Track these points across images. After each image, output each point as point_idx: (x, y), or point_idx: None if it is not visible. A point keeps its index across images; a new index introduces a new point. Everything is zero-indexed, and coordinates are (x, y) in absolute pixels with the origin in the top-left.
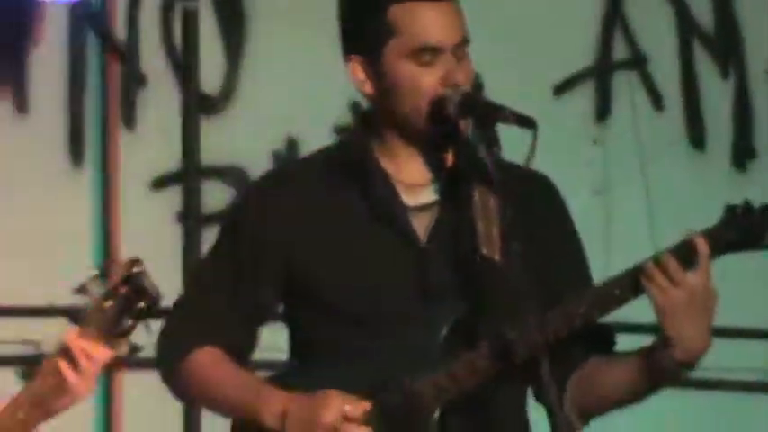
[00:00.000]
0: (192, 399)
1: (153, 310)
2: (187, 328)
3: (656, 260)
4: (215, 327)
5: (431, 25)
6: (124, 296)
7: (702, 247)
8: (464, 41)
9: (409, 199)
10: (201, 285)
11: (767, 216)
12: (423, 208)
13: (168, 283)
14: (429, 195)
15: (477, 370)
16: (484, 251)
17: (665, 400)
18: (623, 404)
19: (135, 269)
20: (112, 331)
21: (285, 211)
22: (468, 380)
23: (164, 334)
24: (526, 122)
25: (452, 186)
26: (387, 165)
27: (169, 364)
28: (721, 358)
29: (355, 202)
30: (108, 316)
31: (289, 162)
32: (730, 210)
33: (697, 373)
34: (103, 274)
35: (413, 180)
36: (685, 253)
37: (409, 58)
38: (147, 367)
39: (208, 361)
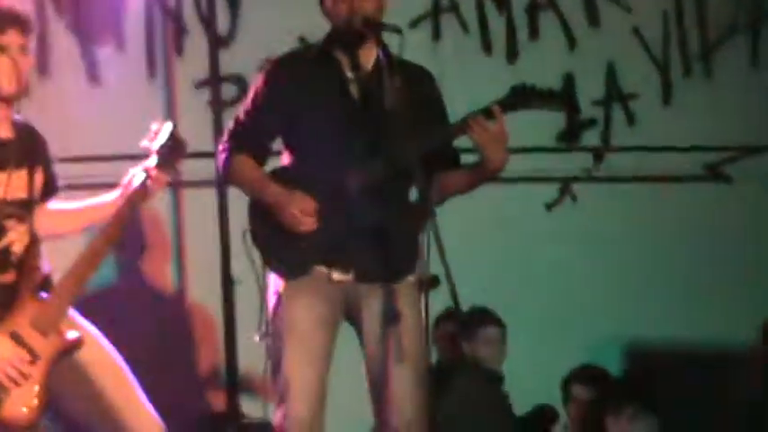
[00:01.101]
0: (233, 184)
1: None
2: (233, 137)
3: (482, 111)
4: (247, 142)
5: None
6: (170, 145)
7: (497, 108)
8: None
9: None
10: (243, 117)
11: (533, 90)
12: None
13: None
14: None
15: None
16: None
17: None
18: (461, 192)
19: (173, 129)
20: (165, 165)
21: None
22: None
23: (222, 143)
24: (395, 29)
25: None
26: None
27: (225, 161)
28: None
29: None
30: (162, 157)
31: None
32: (514, 87)
33: None
34: (155, 134)
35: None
36: (489, 112)
37: None
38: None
39: (242, 162)
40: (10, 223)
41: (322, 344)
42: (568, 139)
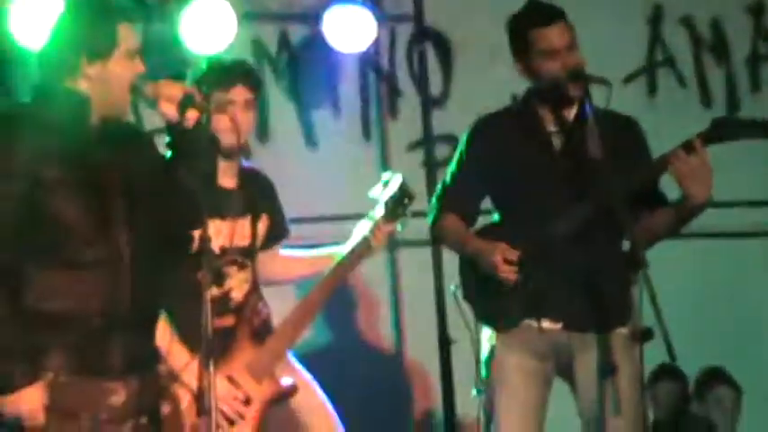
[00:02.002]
0: (442, 243)
1: (411, 203)
2: (441, 199)
3: (683, 145)
4: (454, 203)
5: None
6: (399, 196)
7: (697, 141)
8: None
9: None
10: (449, 179)
11: (735, 120)
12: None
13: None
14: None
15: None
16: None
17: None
18: (670, 232)
19: (403, 180)
20: (392, 217)
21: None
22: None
23: (432, 204)
24: (603, 82)
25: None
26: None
27: (434, 222)
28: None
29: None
30: (389, 208)
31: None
32: (715, 119)
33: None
34: (384, 183)
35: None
36: (690, 146)
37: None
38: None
39: (450, 222)
40: (231, 270)
41: (534, 396)
42: None
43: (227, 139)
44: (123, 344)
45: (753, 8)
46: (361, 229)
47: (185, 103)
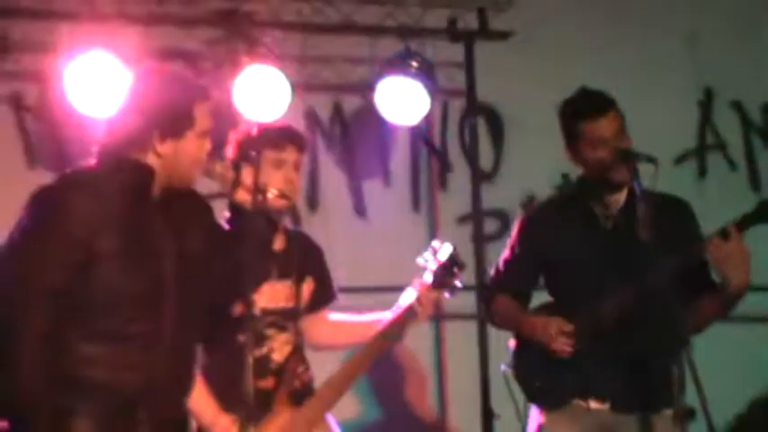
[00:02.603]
0: (496, 325)
1: (461, 273)
2: (494, 283)
3: (719, 232)
4: (507, 283)
5: (603, 128)
6: (448, 265)
7: (732, 228)
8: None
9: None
10: (501, 264)
11: None
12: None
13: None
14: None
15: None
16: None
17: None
18: (717, 316)
19: (453, 250)
20: (440, 285)
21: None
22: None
23: (486, 288)
24: (651, 160)
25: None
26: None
27: (486, 302)
28: None
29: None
30: (438, 276)
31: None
32: (761, 202)
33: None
34: (434, 252)
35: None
36: (725, 232)
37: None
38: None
39: (503, 303)
40: (271, 332)
41: None
42: None
43: (277, 201)
44: (153, 414)
45: None
46: (408, 297)
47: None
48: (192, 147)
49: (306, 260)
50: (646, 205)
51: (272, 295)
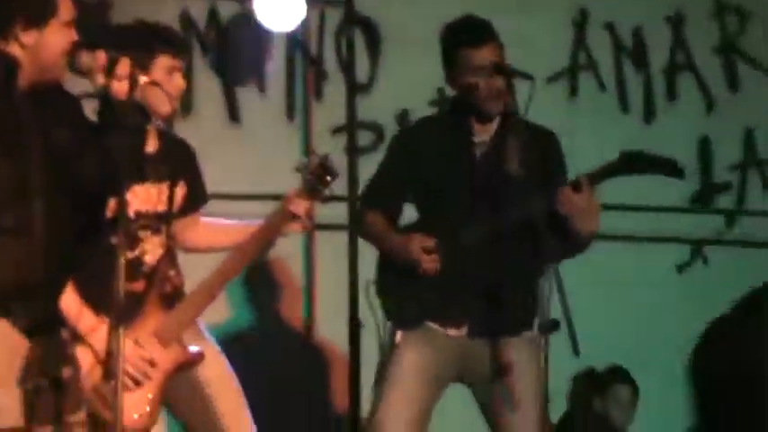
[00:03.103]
0: (364, 238)
1: (334, 180)
2: (365, 199)
3: (571, 183)
4: (378, 201)
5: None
6: (320, 173)
7: (584, 179)
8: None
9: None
10: (375, 178)
11: (647, 158)
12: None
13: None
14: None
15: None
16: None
17: None
18: (552, 261)
19: (326, 158)
20: (312, 193)
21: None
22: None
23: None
24: (526, 76)
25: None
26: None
27: (357, 218)
28: None
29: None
30: (310, 183)
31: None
32: (624, 153)
33: None
34: (308, 160)
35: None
36: (577, 184)
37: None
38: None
39: (372, 219)
40: (144, 234)
41: (423, 397)
42: (702, 201)
43: (155, 106)
44: (27, 310)
45: (672, 19)
46: (282, 204)
47: (111, 70)
48: (57, 36)
49: (179, 163)
50: (515, 137)
51: (145, 198)
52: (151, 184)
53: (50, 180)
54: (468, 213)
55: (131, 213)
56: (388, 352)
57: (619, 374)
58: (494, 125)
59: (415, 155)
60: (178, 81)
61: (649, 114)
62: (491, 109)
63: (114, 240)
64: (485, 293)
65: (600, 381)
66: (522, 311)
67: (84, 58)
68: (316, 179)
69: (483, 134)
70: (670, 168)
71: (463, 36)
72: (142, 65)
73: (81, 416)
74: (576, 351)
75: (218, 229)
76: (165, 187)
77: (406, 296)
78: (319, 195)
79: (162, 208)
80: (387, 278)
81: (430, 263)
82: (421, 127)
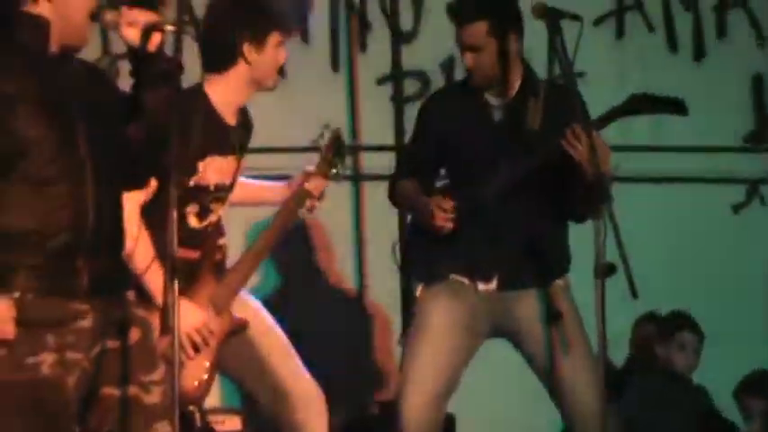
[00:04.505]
0: (397, 206)
1: (344, 156)
2: (398, 168)
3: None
4: (410, 169)
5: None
6: (334, 147)
7: (596, 122)
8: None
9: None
10: (406, 147)
11: (654, 99)
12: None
13: None
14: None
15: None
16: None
17: None
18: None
19: (339, 134)
20: (327, 171)
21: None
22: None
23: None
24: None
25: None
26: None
27: (390, 185)
28: None
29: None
30: (326, 159)
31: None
32: (633, 95)
33: None
34: (322, 135)
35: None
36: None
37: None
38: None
39: (403, 186)
40: (215, 206)
41: (452, 346)
42: (757, 140)
43: (269, 81)
44: (89, 265)
45: None
46: (300, 175)
47: (149, 30)
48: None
49: (246, 136)
50: (538, 95)
51: (225, 170)
52: (230, 156)
53: (93, 139)
54: (492, 172)
55: (211, 185)
56: (413, 308)
57: (683, 320)
58: (514, 87)
59: (436, 123)
60: (282, 54)
61: (699, 53)
62: (479, 84)
63: (189, 209)
64: (512, 246)
65: (663, 326)
66: (551, 261)
67: (110, 15)
68: (334, 153)
69: (504, 96)
70: (675, 106)
71: (452, 13)
72: (258, 42)
73: (158, 374)
74: (634, 294)
75: (246, 187)
76: (234, 160)
77: (432, 252)
78: (337, 173)
79: (229, 180)
80: (414, 237)
81: (441, 220)
82: (440, 96)
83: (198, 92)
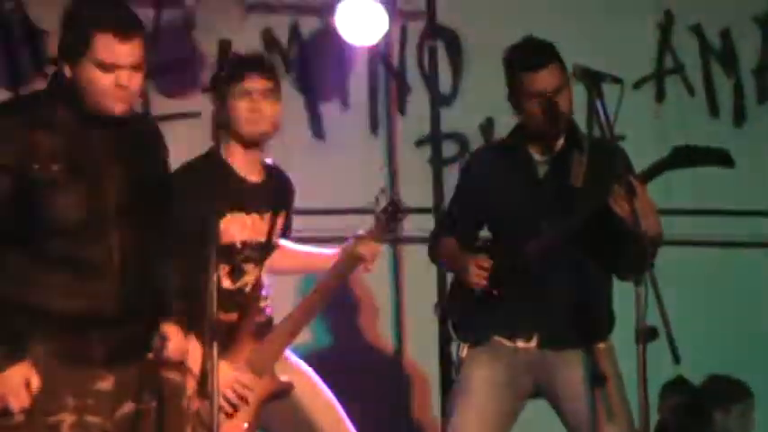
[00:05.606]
0: (440, 266)
1: (401, 221)
2: (439, 226)
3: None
4: (452, 228)
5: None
6: (390, 212)
7: (640, 178)
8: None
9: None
10: (448, 207)
11: (698, 150)
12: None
13: None
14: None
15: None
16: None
17: None
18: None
19: (396, 196)
20: (382, 233)
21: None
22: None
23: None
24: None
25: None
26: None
27: (431, 244)
28: None
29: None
30: (381, 223)
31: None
32: (676, 147)
33: None
34: (377, 200)
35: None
36: (630, 187)
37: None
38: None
39: (445, 244)
40: (248, 266)
41: (496, 409)
42: None
43: (243, 128)
44: (104, 339)
45: (761, 19)
46: (354, 239)
47: None
48: (90, 74)
49: (281, 195)
50: (582, 152)
51: (252, 229)
52: (256, 214)
53: (130, 211)
54: (536, 229)
55: (237, 242)
56: (457, 368)
57: (739, 387)
58: (558, 143)
59: (478, 181)
60: (269, 104)
61: (740, 117)
62: (550, 131)
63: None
64: (553, 304)
65: (715, 394)
66: (593, 321)
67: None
68: (390, 218)
69: (545, 153)
70: (720, 158)
71: (522, 59)
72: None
73: None
74: (676, 359)
75: (292, 254)
76: (268, 218)
77: (475, 312)
78: (392, 235)
79: (263, 238)
80: (456, 297)
81: (476, 277)
82: (482, 153)
83: (212, 155)
